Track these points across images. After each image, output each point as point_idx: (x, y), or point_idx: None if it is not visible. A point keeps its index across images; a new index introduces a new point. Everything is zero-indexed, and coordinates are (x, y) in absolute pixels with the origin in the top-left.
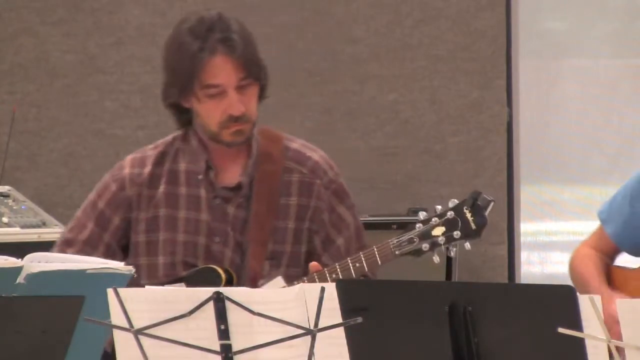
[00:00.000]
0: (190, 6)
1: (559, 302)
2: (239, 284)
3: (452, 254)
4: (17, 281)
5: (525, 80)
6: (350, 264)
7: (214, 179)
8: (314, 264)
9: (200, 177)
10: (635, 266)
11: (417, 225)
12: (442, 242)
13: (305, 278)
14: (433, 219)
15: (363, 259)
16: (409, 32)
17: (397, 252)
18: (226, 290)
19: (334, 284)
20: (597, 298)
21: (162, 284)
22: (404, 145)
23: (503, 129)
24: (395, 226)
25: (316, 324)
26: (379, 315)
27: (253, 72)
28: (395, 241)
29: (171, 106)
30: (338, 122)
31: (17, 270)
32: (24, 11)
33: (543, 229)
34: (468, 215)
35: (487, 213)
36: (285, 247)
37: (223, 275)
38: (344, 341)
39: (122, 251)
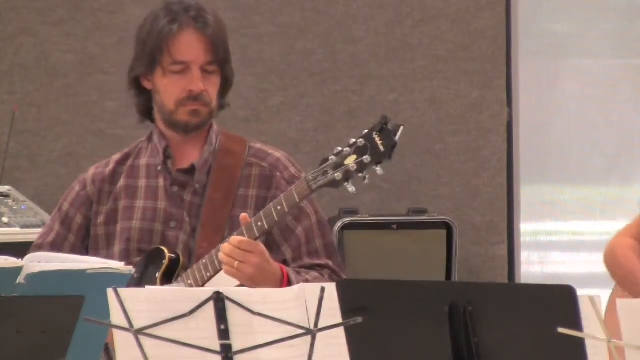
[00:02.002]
0: None
1: (559, 302)
2: (188, 266)
3: (366, 181)
4: (17, 281)
5: (525, 80)
6: (272, 208)
7: (171, 167)
8: (243, 216)
9: (159, 167)
10: None
11: (330, 157)
12: (353, 169)
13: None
14: (344, 149)
15: (283, 200)
16: (409, 32)
17: (313, 186)
18: (226, 290)
19: (334, 284)
20: (597, 298)
21: None
22: (404, 145)
23: (503, 129)
24: (395, 226)
25: (316, 324)
26: (379, 315)
27: (220, 58)
28: (310, 176)
29: (133, 83)
30: (338, 122)
31: (17, 270)
32: (24, 11)
33: (543, 229)
34: (377, 139)
35: (397, 136)
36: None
37: (167, 255)
38: (344, 341)
39: (87, 250)
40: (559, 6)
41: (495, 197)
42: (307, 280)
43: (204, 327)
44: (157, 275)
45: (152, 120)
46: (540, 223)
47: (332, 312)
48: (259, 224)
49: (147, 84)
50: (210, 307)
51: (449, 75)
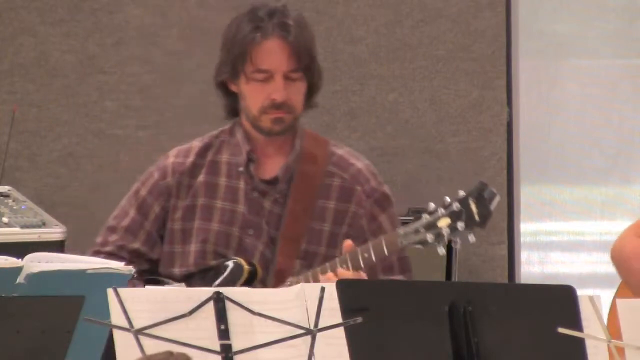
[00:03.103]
0: (190, 6)
1: (559, 302)
2: (265, 279)
3: (457, 246)
4: (17, 281)
5: (525, 80)
6: (360, 255)
7: (254, 172)
8: (348, 243)
9: (240, 169)
10: None
11: (424, 215)
12: (446, 234)
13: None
14: (439, 210)
15: (371, 248)
16: (409, 32)
17: (404, 243)
18: (226, 290)
19: (333, 284)
20: (597, 298)
21: (192, 273)
22: (404, 145)
23: (503, 129)
24: None
25: (316, 324)
26: (379, 315)
27: (304, 64)
28: (401, 231)
29: (220, 86)
30: (338, 122)
31: (17, 270)
32: (24, 11)
33: (543, 229)
34: (473, 206)
35: (492, 206)
36: (319, 248)
37: (245, 268)
38: (344, 341)
39: (162, 239)
40: (559, 6)
41: None
42: None
43: (204, 327)
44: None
45: (236, 117)
46: (540, 223)
47: (332, 312)
48: (344, 266)
49: (233, 87)
50: (210, 307)
51: (449, 75)
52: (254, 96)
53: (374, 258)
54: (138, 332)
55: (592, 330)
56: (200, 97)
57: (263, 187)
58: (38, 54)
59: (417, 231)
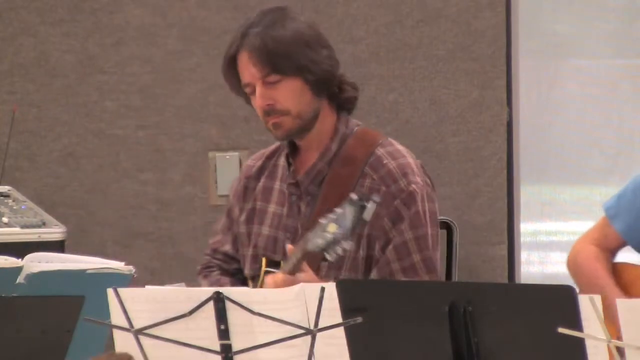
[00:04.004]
0: (190, 6)
1: (559, 302)
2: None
3: (339, 252)
4: (17, 281)
5: (525, 80)
6: (293, 256)
7: (290, 175)
8: (290, 247)
9: (287, 173)
10: None
11: (326, 221)
12: (330, 240)
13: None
14: (330, 215)
15: (298, 250)
16: (409, 32)
17: (308, 247)
18: (226, 290)
19: (333, 284)
20: (597, 298)
21: (253, 276)
22: (404, 145)
23: (503, 129)
24: None
25: (316, 324)
26: (379, 315)
27: (277, 67)
28: (309, 235)
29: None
30: None
31: (17, 270)
32: (24, 11)
33: (543, 229)
34: (349, 211)
35: (366, 215)
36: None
37: (263, 269)
38: (344, 341)
39: None
40: (559, 6)
41: (495, 197)
42: None
43: (204, 327)
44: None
45: None
46: (540, 223)
47: (332, 312)
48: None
49: None
50: (210, 307)
51: (449, 75)
52: (256, 109)
53: (296, 259)
54: (138, 332)
55: (592, 330)
56: (200, 97)
57: (293, 190)
58: (38, 54)
59: (317, 235)
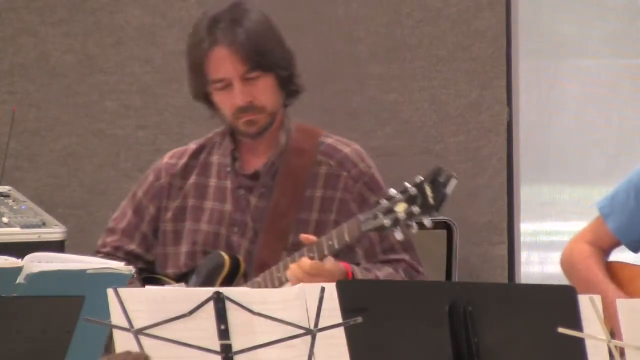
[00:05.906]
0: (190, 6)
1: (559, 302)
2: (248, 273)
3: (414, 230)
4: (17, 281)
5: (525, 80)
6: (325, 243)
7: (239, 169)
8: (304, 237)
9: (228, 168)
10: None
11: (382, 201)
12: (402, 218)
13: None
14: (396, 195)
15: (334, 236)
16: (409, 32)
17: (363, 229)
18: (226, 290)
19: (333, 284)
20: (597, 298)
21: (184, 274)
22: (404, 145)
23: (503, 129)
24: None
25: (316, 324)
26: (379, 315)
27: (260, 63)
28: (361, 217)
29: (199, 99)
30: (338, 122)
31: (17, 270)
32: (24, 11)
33: (543, 229)
34: (428, 191)
35: (448, 189)
36: None
37: (227, 260)
38: (344, 341)
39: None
40: (559, 6)
41: (495, 197)
42: (377, 277)
43: (204, 327)
44: (217, 280)
45: None
46: (540, 223)
47: (332, 312)
48: (311, 254)
49: (211, 98)
50: (210, 307)
51: (449, 75)
52: (223, 105)
53: (336, 245)
54: (138, 332)
55: (592, 330)
56: None
57: (247, 183)
58: (38, 54)
59: (375, 216)
